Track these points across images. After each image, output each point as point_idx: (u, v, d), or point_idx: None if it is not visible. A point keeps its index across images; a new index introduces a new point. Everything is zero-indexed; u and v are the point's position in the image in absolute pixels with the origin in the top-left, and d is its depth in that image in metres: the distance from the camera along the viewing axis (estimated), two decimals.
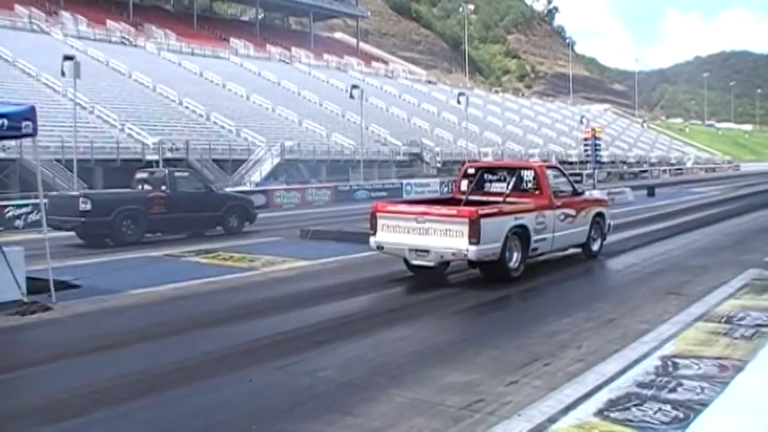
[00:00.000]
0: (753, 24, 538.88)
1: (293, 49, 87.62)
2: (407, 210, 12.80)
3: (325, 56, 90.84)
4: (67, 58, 32.96)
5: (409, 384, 6.79)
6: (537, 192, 13.85)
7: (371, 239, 13.02)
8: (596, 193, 20.23)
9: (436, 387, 6.69)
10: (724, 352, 7.54)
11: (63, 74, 33.62)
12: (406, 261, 13.04)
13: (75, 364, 8.07)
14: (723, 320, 9.00)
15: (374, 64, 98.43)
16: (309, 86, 71.23)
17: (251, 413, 6.22)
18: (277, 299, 11.61)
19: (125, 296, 11.63)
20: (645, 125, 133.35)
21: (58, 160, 35.68)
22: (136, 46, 69.32)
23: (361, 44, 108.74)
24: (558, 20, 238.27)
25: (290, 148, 47.56)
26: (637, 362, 7.25)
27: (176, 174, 21.95)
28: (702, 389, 6.27)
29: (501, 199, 13.70)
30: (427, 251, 12.10)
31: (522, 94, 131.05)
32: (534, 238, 12.96)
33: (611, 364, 7.24)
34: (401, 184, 44.54)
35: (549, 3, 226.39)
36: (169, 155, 40.46)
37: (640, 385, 6.46)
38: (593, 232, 15.14)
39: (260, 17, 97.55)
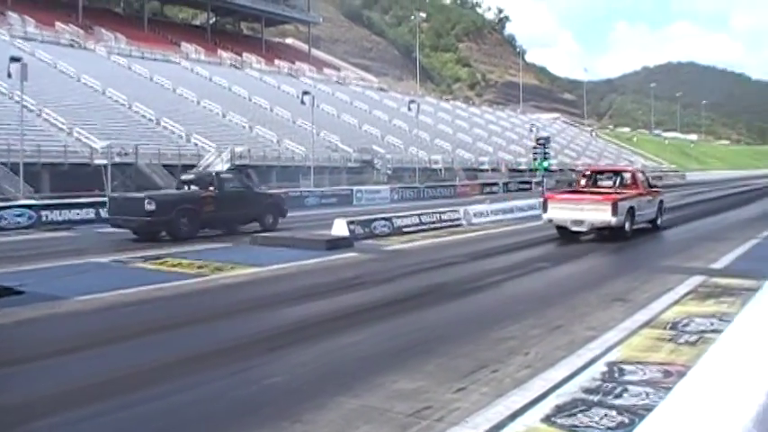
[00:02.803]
0: (698, 37, 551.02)
1: (244, 54, 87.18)
2: (569, 197, 20.58)
3: (277, 61, 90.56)
4: (14, 59, 32.41)
5: (358, 391, 6.77)
6: (633, 186, 21.68)
7: (544, 216, 20.74)
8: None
9: (385, 394, 6.68)
10: (668, 358, 7.65)
11: (9, 75, 33.04)
12: (559, 229, 20.45)
13: (15, 373, 7.91)
14: (668, 327, 9.13)
15: (326, 70, 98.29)
16: (260, 92, 70.90)
17: (198, 421, 6.16)
18: (226, 306, 11.52)
19: (71, 303, 11.42)
20: (594, 134, 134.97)
21: (3, 163, 35.00)
22: (85, 49, 68.41)
23: (313, 50, 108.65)
24: (509, 29, 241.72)
25: (241, 153, 47.30)
26: (583, 368, 7.32)
27: (222, 175, 25.03)
28: (647, 394, 6.36)
29: (611, 191, 20.90)
30: (582, 221, 19.66)
31: (473, 103, 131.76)
32: (637, 213, 20.65)
33: (559, 370, 7.30)
34: (351, 190, 44.50)
35: (500, 12, 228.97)
36: (118, 159, 39.97)
37: (587, 391, 6.52)
38: (659, 210, 23.19)
39: (211, 22, 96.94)
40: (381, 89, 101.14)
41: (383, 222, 22.39)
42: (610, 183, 21.99)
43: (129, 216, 21.50)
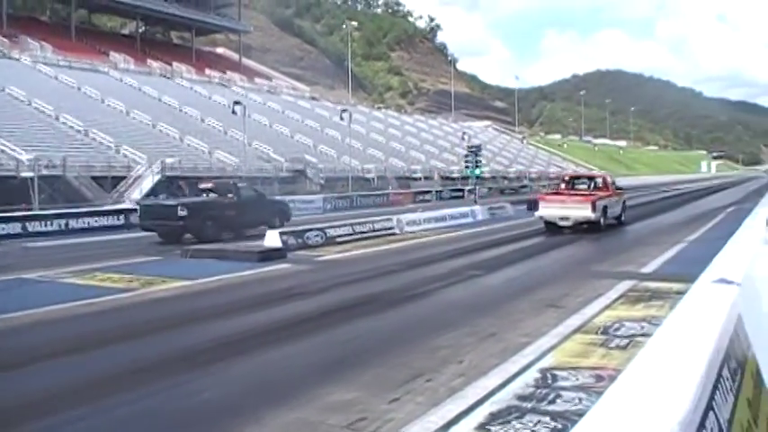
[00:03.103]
0: (627, 45, 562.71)
1: (175, 63, 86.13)
2: (557, 198, 25.12)
3: (208, 71, 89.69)
4: None
5: (293, 405, 6.72)
6: (604, 188, 26.23)
7: (536, 213, 25.24)
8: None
9: (320, 406, 6.64)
10: (600, 362, 7.77)
11: None
12: (547, 224, 24.65)
13: None
14: (600, 331, 9.27)
15: (257, 80, 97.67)
16: (191, 102, 70.10)
17: None
18: (156, 321, 11.34)
19: None
20: (525, 141, 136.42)
21: None
22: (10, 58, 66.84)
23: (244, 60, 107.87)
24: (441, 38, 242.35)
25: (171, 164, 46.66)
26: (517, 375, 7.38)
27: (239, 184, 28.03)
28: (580, 399, 6.44)
29: (587, 193, 25.41)
30: (568, 218, 24.20)
31: (405, 111, 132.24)
32: (608, 211, 25.18)
33: (492, 377, 7.35)
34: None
35: (432, 21, 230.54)
36: (45, 172, 39.09)
37: (521, 398, 6.58)
38: (623, 208, 27.61)
39: (141, 31, 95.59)
40: (313, 98, 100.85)
41: (316, 233, 22.32)
42: (585, 186, 26.48)
43: (161, 221, 24.17)
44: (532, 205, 36.86)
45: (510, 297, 12.53)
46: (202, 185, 27.47)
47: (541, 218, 24.84)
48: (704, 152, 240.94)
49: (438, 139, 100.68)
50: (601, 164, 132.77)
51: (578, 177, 28.32)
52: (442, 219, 29.39)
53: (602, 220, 24.38)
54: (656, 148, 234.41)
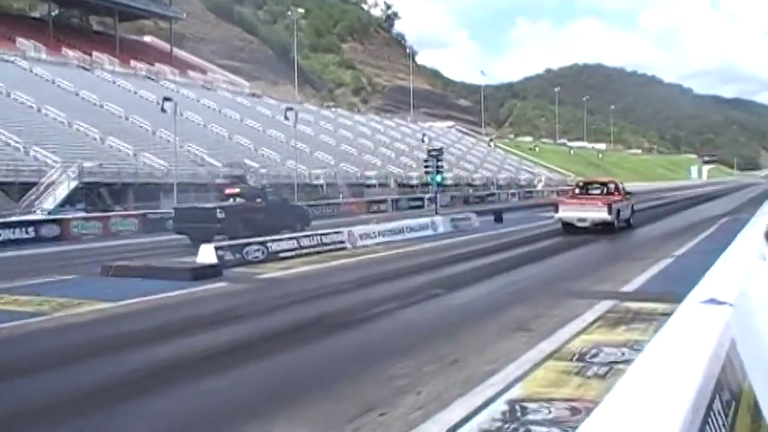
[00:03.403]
0: (607, 36, 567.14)
1: (95, 53, 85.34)
2: (575, 201, 29.94)
3: (133, 62, 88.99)
4: None
5: None
6: (616, 193, 30.89)
7: (555, 215, 29.72)
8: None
9: None
10: (576, 393, 7.77)
11: None
12: (565, 225, 29.13)
13: None
14: (575, 358, 9.28)
15: (190, 73, 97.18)
16: (114, 97, 69.48)
17: None
18: (69, 349, 11.14)
19: None
20: (492, 144, 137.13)
21: None
22: None
23: (176, 50, 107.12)
24: (399, 27, 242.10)
25: (91, 169, 46.18)
26: (482, 407, 7.34)
27: (266, 189, 35.73)
28: None
29: (602, 196, 30.08)
30: (585, 219, 28.66)
31: (358, 110, 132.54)
32: (621, 214, 29.90)
33: (454, 411, 7.31)
34: None
35: (389, 8, 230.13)
36: None
37: None
38: (631, 212, 32.28)
39: (54, 14, 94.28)
40: (254, 95, 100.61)
41: (257, 247, 22.20)
42: (598, 191, 31.14)
43: (197, 224, 28.23)
44: (499, 216, 37.34)
45: (475, 319, 12.52)
46: (229, 191, 32.91)
47: (560, 220, 29.54)
48: (694, 156, 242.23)
49: (395, 142, 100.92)
50: (578, 169, 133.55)
51: (591, 183, 33.45)
52: (400, 231, 29.44)
53: (615, 222, 29.19)
54: (639, 151, 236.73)
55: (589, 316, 12.16)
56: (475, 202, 69.95)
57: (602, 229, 28.44)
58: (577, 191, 32.16)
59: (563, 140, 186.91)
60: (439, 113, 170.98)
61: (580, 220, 28.93)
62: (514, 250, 23.97)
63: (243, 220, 28.57)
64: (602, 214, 28.68)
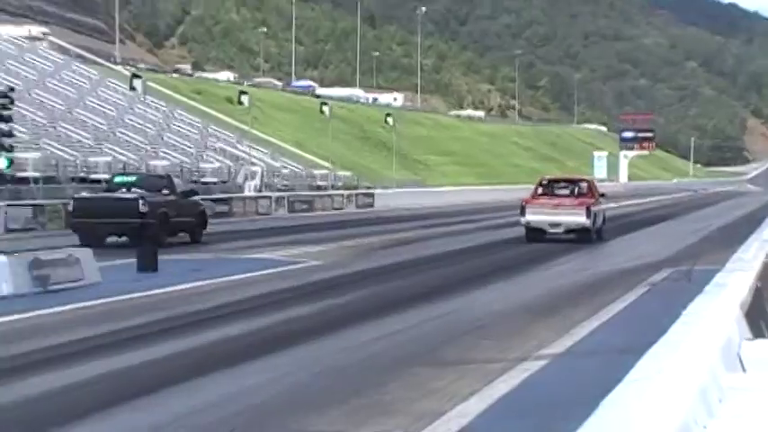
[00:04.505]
0: None
1: None
2: (548, 202, 26.01)
3: None
4: None
5: None
6: (590, 194, 27.11)
7: (522, 219, 25.72)
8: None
9: None
10: None
11: None
12: (532, 232, 25.70)
13: None
14: None
15: None
16: None
17: None
18: None
19: None
20: (142, 89, 64.39)
21: None
22: None
23: None
24: None
25: None
26: None
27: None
28: None
29: (578, 197, 26.84)
30: (560, 224, 25.44)
31: None
32: (597, 219, 26.56)
33: None
34: None
35: None
36: None
37: None
38: (603, 220, 28.38)
39: None
40: None
41: None
42: (568, 191, 27.37)
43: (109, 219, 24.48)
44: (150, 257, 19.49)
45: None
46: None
47: (528, 224, 25.80)
48: (602, 128, 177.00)
49: None
50: (341, 151, 78.69)
51: (558, 181, 29.48)
52: None
53: (592, 229, 26.03)
54: (480, 114, 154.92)
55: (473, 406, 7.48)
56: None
57: (574, 238, 25.49)
58: (541, 190, 27.42)
59: (308, 82, 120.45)
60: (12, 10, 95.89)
61: (552, 225, 25.56)
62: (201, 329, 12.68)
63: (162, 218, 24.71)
64: (579, 218, 25.38)
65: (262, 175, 55.64)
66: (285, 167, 64.98)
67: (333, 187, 61.63)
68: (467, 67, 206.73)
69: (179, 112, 68.35)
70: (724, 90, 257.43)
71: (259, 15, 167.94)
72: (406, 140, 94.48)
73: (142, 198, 24.20)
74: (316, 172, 66.34)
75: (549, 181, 28.86)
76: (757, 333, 6.59)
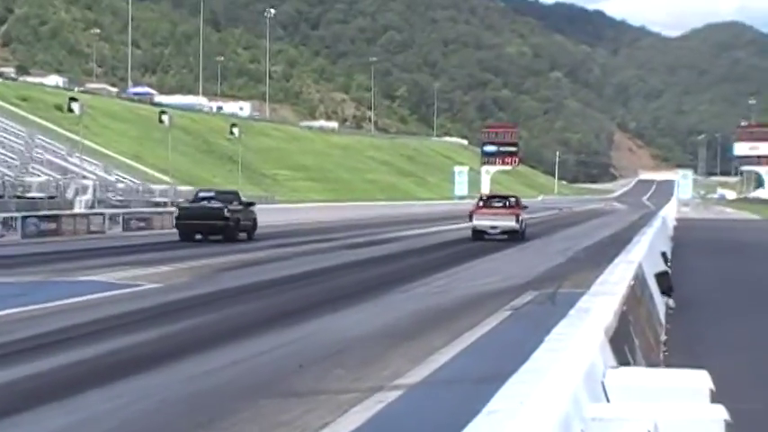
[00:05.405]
0: None
1: None
2: (489, 211, 35.39)
3: None
4: None
5: None
6: (517, 206, 36.56)
7: (470, 223, 35.06)
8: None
9: None
10: None
11: None
12: (477, 233, 34.56)
13: None
14: None
15: None
16: None
17: None
18: None
19: None
20: None
21: None
22: None
23: None
24: None
25: None
26: None
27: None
28: None
29: (510, 207, 36.21)
30: (497, 227, 34.47)
31: None
32: (524, 222, 36.49)
33: None
34: None
35: None
36: None
37: None
38: (524, 225, 36.82)
39: None
40: None
41: None
42: (501, 204, 36.72)
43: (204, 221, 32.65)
44: None
45: None
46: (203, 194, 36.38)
47: (474, 227, 34.93)
48: (464, 142, 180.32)
49: None
50: (185, 166, 74.89)
51: (494, 197, 40.92)
52: None
53: (522, 229, 35.44)
54: (333, 125, 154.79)
55: None
56: None
57: (507, 237, 34.18)
58: (482, 203, 37.30)
59: (146, 89, 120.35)
60: None
61: (492, 227, 34.68)
62: None
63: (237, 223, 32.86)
64: (511, 223, 34.77)
65: (94, 190, 51.01)
66: (120, 181, 60.75)
67: (172, 204, 50.86)
68: (319, 74, 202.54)
69: (1, 120, 63.09)
70: (590, 102, 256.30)
71: (91, 15, 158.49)
72: (254, 153, 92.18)
73: (226, 207, 32.41)
74: (154, 187, 60.95)
75: (488, 197, 41.12)
76: (622, 360, 6.34)
